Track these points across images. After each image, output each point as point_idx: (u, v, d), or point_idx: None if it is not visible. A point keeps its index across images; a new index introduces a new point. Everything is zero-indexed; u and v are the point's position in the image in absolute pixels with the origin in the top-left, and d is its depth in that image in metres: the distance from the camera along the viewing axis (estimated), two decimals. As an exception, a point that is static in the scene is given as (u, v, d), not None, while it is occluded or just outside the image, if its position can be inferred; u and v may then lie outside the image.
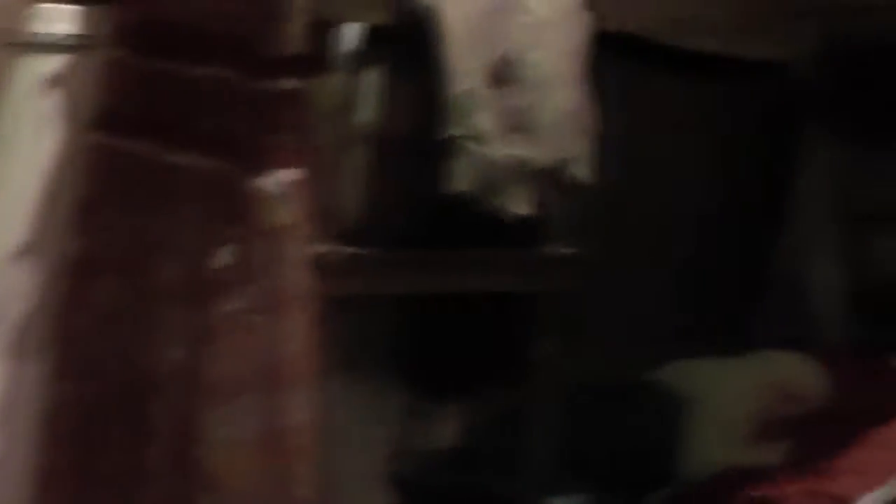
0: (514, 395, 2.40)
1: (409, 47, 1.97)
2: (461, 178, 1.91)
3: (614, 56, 3.58)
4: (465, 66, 1.92)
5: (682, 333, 3.76)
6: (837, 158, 3.90)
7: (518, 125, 1.99)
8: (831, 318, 3.88)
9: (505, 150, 1.97)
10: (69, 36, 1.63)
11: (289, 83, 1.68)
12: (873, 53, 3.83)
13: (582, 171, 2.11)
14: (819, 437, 3.48)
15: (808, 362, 3.54)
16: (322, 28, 2.01)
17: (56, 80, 1.65)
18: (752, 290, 3.92)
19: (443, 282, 2.06)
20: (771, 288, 3.92)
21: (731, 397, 3.43)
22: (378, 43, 2.04)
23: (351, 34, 2.07)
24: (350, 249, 1.98)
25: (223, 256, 1.65)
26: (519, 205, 2.01)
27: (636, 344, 3.69)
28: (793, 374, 3.51)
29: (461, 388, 2.38)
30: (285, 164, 1.65)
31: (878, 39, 3.83)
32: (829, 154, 3.91)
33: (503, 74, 1.97)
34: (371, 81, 2.01)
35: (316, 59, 1.98)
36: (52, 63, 1.65)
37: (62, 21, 1.64)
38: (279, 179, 1.65)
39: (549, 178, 2.06)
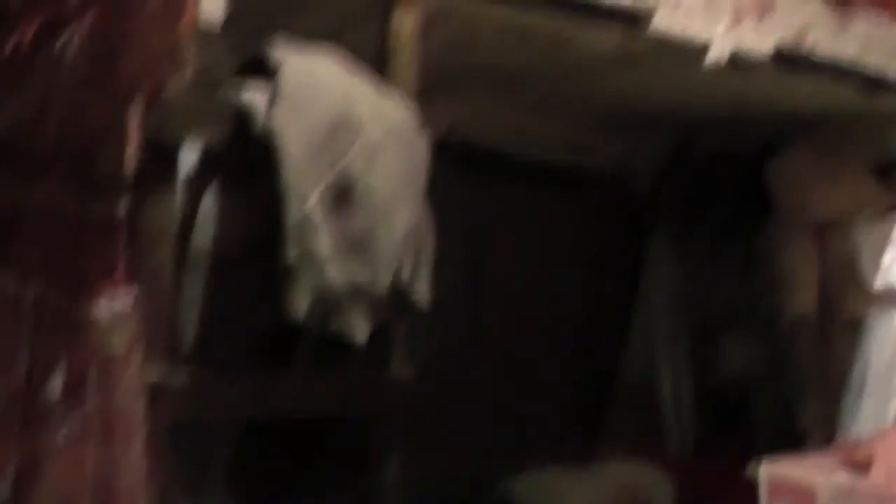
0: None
1: (247, 168, 1.96)
2: (299, 304, 1.89)
3: (459, 169, 3.67)
4: (302, 189, 1.92)
5: (530, 444, 3.79)
6: (680, 267, 4.00)
7: (356, 249, 1.99)
8: (679, 425, 3.95)
9: (342, 274, 1.96)
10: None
11: (123, 205, 1.65)
12: (713, 166, 3.95)
13: (420, 293, 2.11)
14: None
15: (655, 470, 3.59)
16: (159, 148, 1.99)
17: None
18: (601, 398, 3.98)
19: (282, 407, 2.02)
20: (619, 396, 3.98)
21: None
22: (216, 163, 2.02)
23: (189, 155, 2.05)
24: (187, 375, 1.94)
25: (52, 383, 1.60)
26: (356, 330, 2.00)
27: (485, 457, 3.71)
28: (641, 483, 3.55)
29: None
30: (118, 289, 1.62)
31: (718, 151, 3.96)
32: (672, 263, 4.01)
33: (341, 197, 1.97)
34: (209, 203, 1.99)
35: (152, 180, 1.96)
36: None
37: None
38: (112, 305, 1.62)
39: (386, 303, 2.05)
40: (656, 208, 4.03)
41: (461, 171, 3.68)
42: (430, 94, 3.20)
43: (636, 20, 2.66)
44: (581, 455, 3.75)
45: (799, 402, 3.77)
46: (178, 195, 2.01)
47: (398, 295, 2.08)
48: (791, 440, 3.72)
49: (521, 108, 3.67)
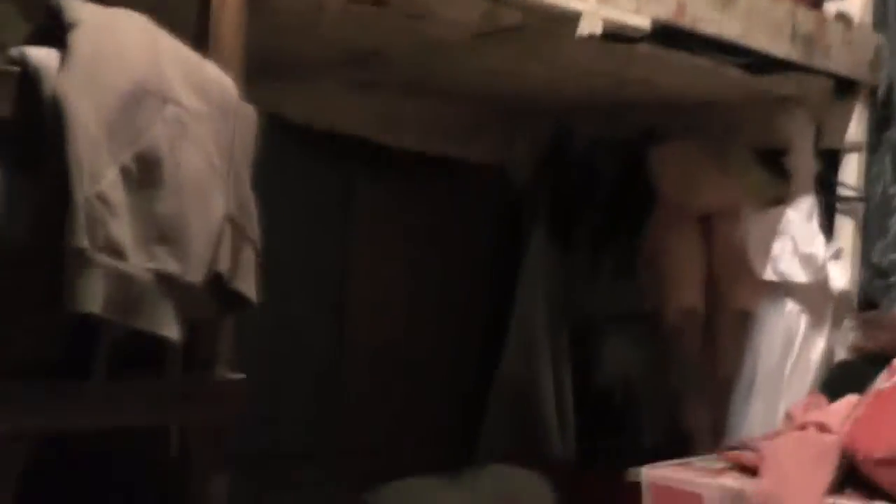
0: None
1: (35, 140, 1.68)
2: (91, 297, 1.61)
3: (322, 157, 3.41)
4: (96, 165, 1.64)
5: (399, 453, 3.55)
6: (560, 262, 3.77)
7: (163, 235, 1.71)
8: (560, 428, 3.73)
9: (146, 263, 1.69)
10: None
11: None
12: (593, 154, 3.74)
13: (244, 287, 1.84)
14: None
15: (534, 476, 3.36)
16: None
17: None
18: (476, 402, 3.75)
19: (76, 417, 1.74)
20: (496, 399, 3.75)
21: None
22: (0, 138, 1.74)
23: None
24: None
25: None
26: (167, 327, 1.72)
27: (346, 462, 3.46)
28: (520, 490, 3.32)
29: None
30: None
31: (599, 138, 3.75)
32: (551, 258, 3.78)
33: (145, 175, 1.69)
34: (-10, 183, 1.70)
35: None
36: None
37: None
38: None
39: (203, 297, 1.78)
40: (534, 200, 3.80)
41: (324, 160, 3.43)
42: (280, 76, 2.95)
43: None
44: (453, 462, 3.53)
45: (684, 402, 3.57)
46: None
47: (216, 289, 1.80)
48: (678, 443, 3.53)
49: (384, 92, 3.42)
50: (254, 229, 1.86)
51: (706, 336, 3.50)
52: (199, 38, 1.98)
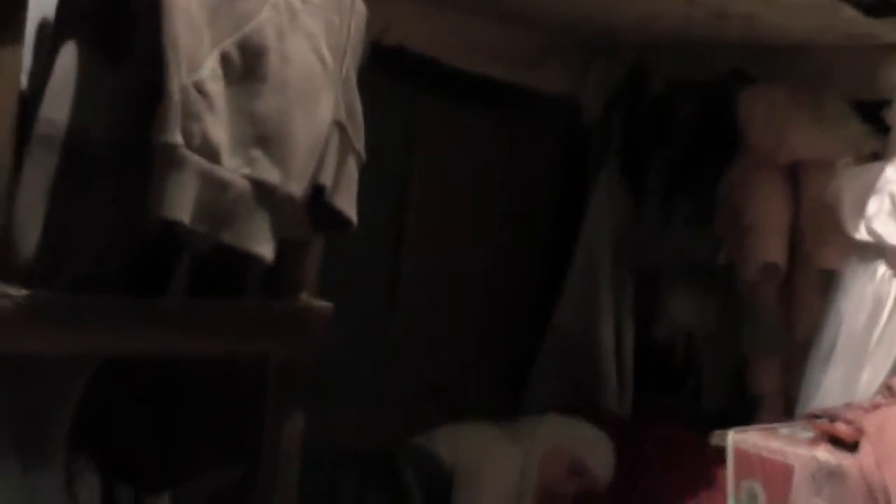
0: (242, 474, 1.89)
1: (116, 23, 1.45)
2: (181, 203, 1.39)
3: (388, 74, 3.17)
4: (196, 51, 1.41)
5: (452, 396, 3.35)
6: (629, 206, 3.56)
7: (263, 137, 1.48)
8: (619, 382, 3.53)
9: (242, 169, 1.46)
10: None
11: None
12: (672, 94, 3.51)
13: (343, 202, 1.62)
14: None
15: (593, 428, 3.16)
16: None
17: None
18: (532, 348, 3.55)
19: (150, 339, 1.52)
20: (552, 348, 3.55)
21: (506, 466, 3.03)
22: (81, 12, 1.51)
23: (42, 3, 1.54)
24: (23, 297, 1.44)
25: None
26: (259, 244, 1.50)
27: (394, 405, 3.26)
28: (577, 441, 3.12)
29: (176, 473, 1.85)
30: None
31: (679, 78, 3.52)
32: (620, 201, 3.56)
33: (247, 66, 1.46)
34: (64, 68, 1.47)
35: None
36: None
37: None
38: None
39: (299, 211, 1.55)
40: (606, 138, 3.57)
41: (391, 78, 3.19)
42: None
43: None
44: (509, 407, 3.34)
45: (754, 365, 3.35)
46: (26, 50, 1.49)
47: (316, 204, 1.58)
48: (741, 408, 3.33)
49: (460, 13, 3.17)
50: (360, 139, 1.63)
51: (785, 295, 3.27)
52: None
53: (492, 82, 3.37)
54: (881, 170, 3.01)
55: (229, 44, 1.44)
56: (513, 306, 3.60)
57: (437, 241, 3.38)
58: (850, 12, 2.82)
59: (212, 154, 1.42)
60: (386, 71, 3.15)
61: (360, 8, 1.65)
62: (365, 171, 1.70)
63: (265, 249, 1.50)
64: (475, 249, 3.49)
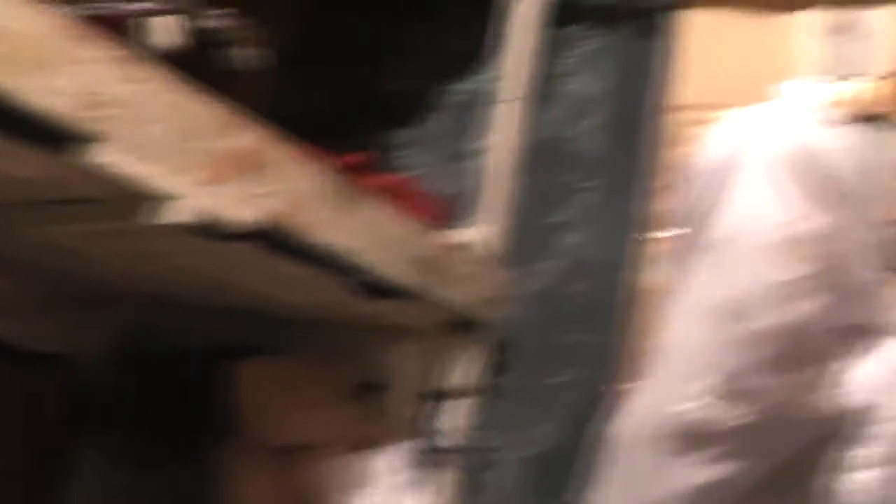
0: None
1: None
2: None
3: None
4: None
5: None
6: (114, 480, 3.22)
7: None
8: None
9: None
10: None
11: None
12: (168, 359, 3.26)
13: None
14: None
15: None
16: None
17: None
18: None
19: None
20: None
21: None
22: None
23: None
24: None
25: None
26: None
27: None
28: None
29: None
30: None
31: (180, 343, 3.28)
32: (105, 473, 3.22)
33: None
34: None
35: None
36: None
37: None
38: None
39: None
40: (94, 404, 3.25)
41: None
42: None
43: (63, 142, 1.88)
44: None
45: None
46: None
47: None
48: None
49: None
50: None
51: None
52: None
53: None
54: (371, 460, 2.86)
55: None
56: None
57: None
58: (341, 292, 2.68)
59: None
60: None
61: None
62: None
63: None
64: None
